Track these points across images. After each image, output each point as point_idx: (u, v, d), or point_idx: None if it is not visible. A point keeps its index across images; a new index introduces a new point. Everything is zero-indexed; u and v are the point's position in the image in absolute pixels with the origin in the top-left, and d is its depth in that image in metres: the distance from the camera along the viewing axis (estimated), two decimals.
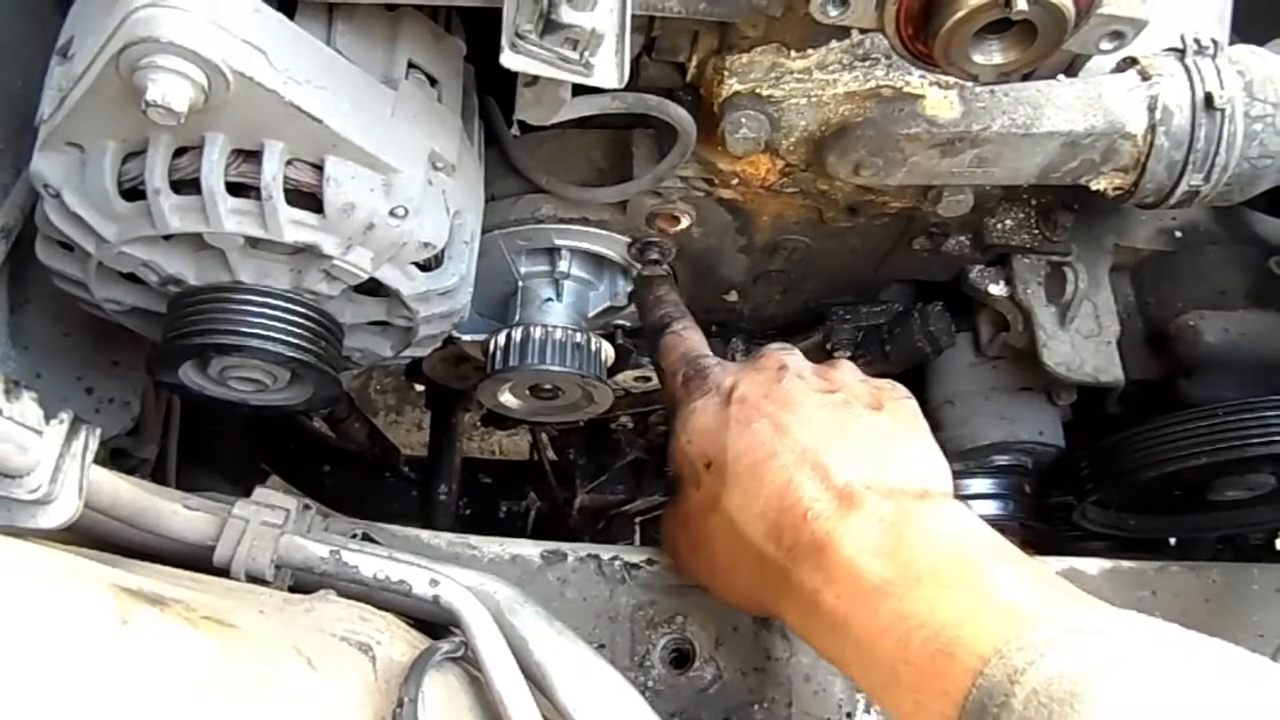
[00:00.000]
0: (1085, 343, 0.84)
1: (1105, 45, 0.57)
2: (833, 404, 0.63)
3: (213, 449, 1.12)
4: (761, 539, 0.59)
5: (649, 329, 0.79)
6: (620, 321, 0.92)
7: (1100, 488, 0.88)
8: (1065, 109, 0.68)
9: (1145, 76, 0.69)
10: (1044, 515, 0.98)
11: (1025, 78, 0.69)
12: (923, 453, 0.63)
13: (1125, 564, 0.78)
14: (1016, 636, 0.46)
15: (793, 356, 0.68)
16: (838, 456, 0.59)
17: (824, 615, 0.55)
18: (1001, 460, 0.94)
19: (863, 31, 0.64)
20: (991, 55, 0.54)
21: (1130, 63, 0.70)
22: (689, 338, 0.75)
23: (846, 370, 0.68)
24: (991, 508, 0.95)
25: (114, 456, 0.83)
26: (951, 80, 0.67)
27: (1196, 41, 0.69)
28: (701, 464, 0.64)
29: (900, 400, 0.66)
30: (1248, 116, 0.67)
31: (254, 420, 1.18)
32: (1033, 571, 0.52)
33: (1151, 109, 0.68)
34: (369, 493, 1.31)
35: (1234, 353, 0.81)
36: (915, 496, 0.57)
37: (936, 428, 0.94)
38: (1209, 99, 0.67)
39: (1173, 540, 1.05)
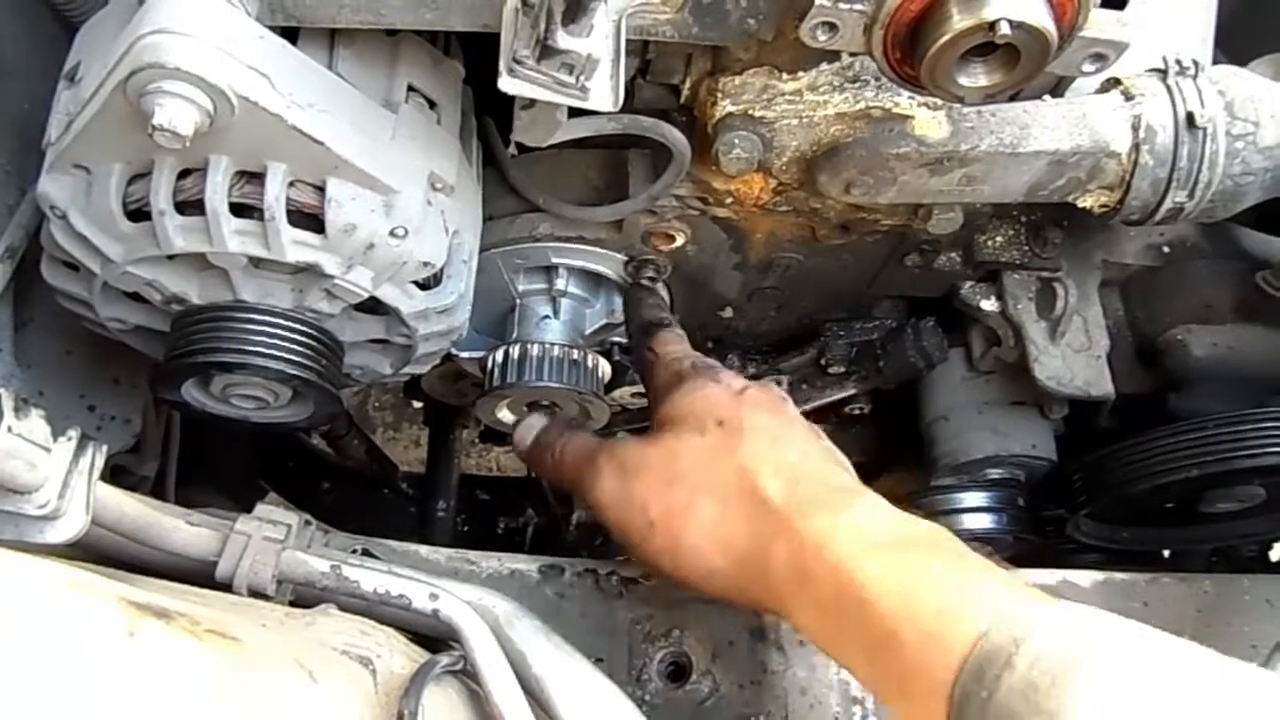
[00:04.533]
0: (1076, 357, 0.85)
1: (1088, 67, 0.59)
2: (827, 444, 0.69)
3: (211, 466, 1.13)
4: (773, 488, 0.61)
5: (644, 321, 0.81)
6: (617, 338, 0.93)
7: (1092, 500, 0.89)
8: (1051, 128, 0.70)
9: (1129, 96, 0.71)
10: (1038, 528, 0.98)
11: (1012, 98, 0.70)
12: None
13: (1117, 576, 0.79)
14: (1019, 611, 0.48)
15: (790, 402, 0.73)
16: (840, 472, 0.65)
17: (826, 566, 0.55)
18: (995, 474, 0.94)
19: (852, 54, 0.66)
20: (976, 78, 0.56)
21: (1114, 83, 0.72)
22: (686, 343, 0.79)
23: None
24: (986, 521, 0.96)
25: (115, 473, 0.84)
26: (940, 101, 0.68)
27: (1178, 62, 0.71)
28: (712, 420, 0.66)
29: None
30: (1229, 135, 0.69)
31: (252, 437, 1.19)
32: (1019, 576, 0.57)
33: (1135, 128, 0.70)
34: (367, 509, 1.31)
35: (1222, 366, 0.83)
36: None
37: (930, 443, 0.96)
38: (1190, 118, 0.68)
39: (1166, 552, 1.06)
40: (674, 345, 0.77)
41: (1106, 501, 0.89)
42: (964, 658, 0.47)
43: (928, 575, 0.52)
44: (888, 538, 0.56)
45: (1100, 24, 0.57)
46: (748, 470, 0.62)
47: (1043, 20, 0.52)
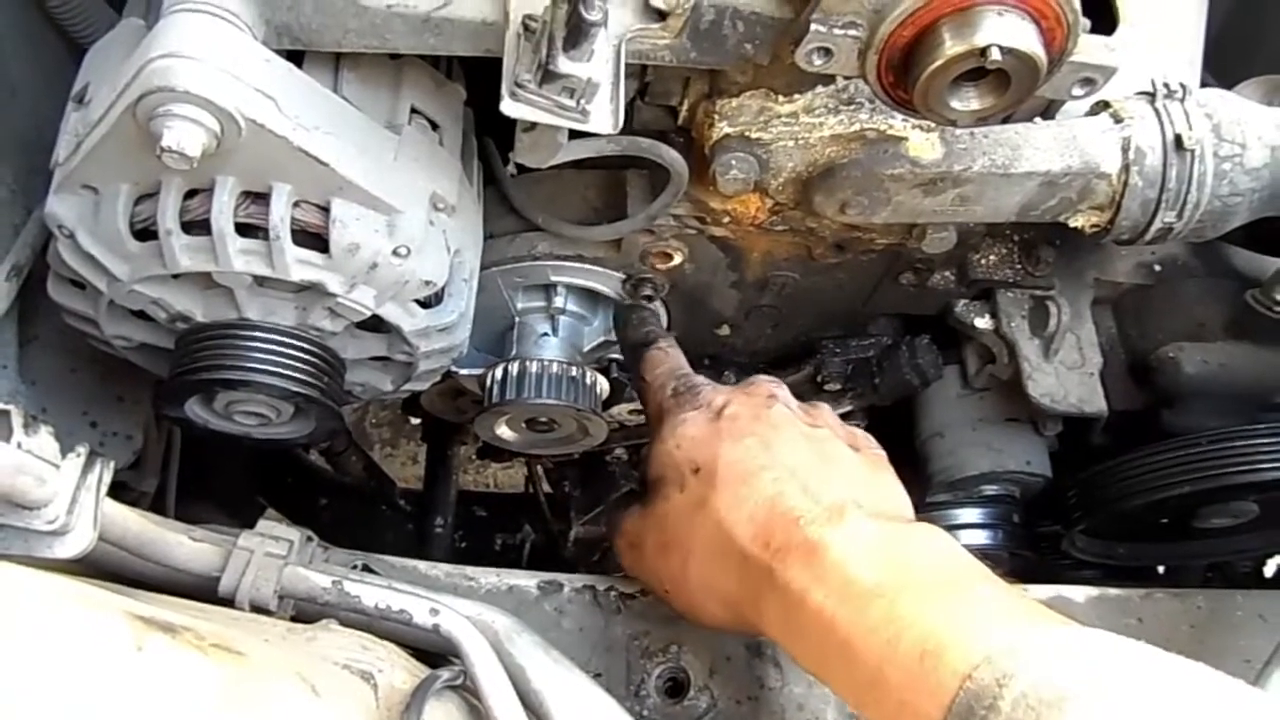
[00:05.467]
0: (1069, 374, 0.86)
1: (1077, 91, 0.60)
2: (816, 436, 0.66)
3: (211, 482, 1.13)
4: (749, 540, 0.60)
5: (631, 342, 0.80)
6: (614, 356, 0.94)
7: (1087, 517, 0.90)
8: (1043, 150, 0.71)
9: (1118, 119, 0.72)
10: (1033, 544, 0.99)
11: (1004, 120, 0.71)
12: (898, 489, 0.66)
13: (1111, 591, 0.80)
14: (1005, 643, 0.47)
15: (781, 389, 0.70)
16: (824, 480, 0.62)
17: (810, 614, 0.55)
18: (990, 490, 0.95)
19: (847, 78, 0.67)
20: (968, 101, 0.57)
21: (1103, 106, 0.73)
22: (675, 355, 0.77)
23: (827, 413, 0.71)
24: (981, 537, 0.97)
25: (115, 489, 0.84)
26: (933, 123, 0.69)
27: (1166, 86, 0.72)
28: (689, 469, 0.65)
29: (873, 449, 0.69)
30: (1217, 156, 0.70)
31: (251, 453, 1.20)
32: (1012, 590, 0.54)
33: (1125, 150, 0.71)
34: (365, 525, 1.31)
35: (1213, 383, 0.83)
36: (901, 520, 0.60)
37: (925, 460, 0.96)
38: (1179, 140, 0.70)
39: (1162, 568, 1.06)
40: (660, 368, 0.75)
41: (1101, 517, 0.89)
42: (952, 698, 0.47)
43: (910, 614, 0.51)
44: (869, 574, 0.54)
45: (1089, 49, 0.58)
46: (723, 524, 0.61)
47: (1033, 46, 0.53)
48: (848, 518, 0.58)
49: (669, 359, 0.76)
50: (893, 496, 0.65)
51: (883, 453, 0.70)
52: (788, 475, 0.62)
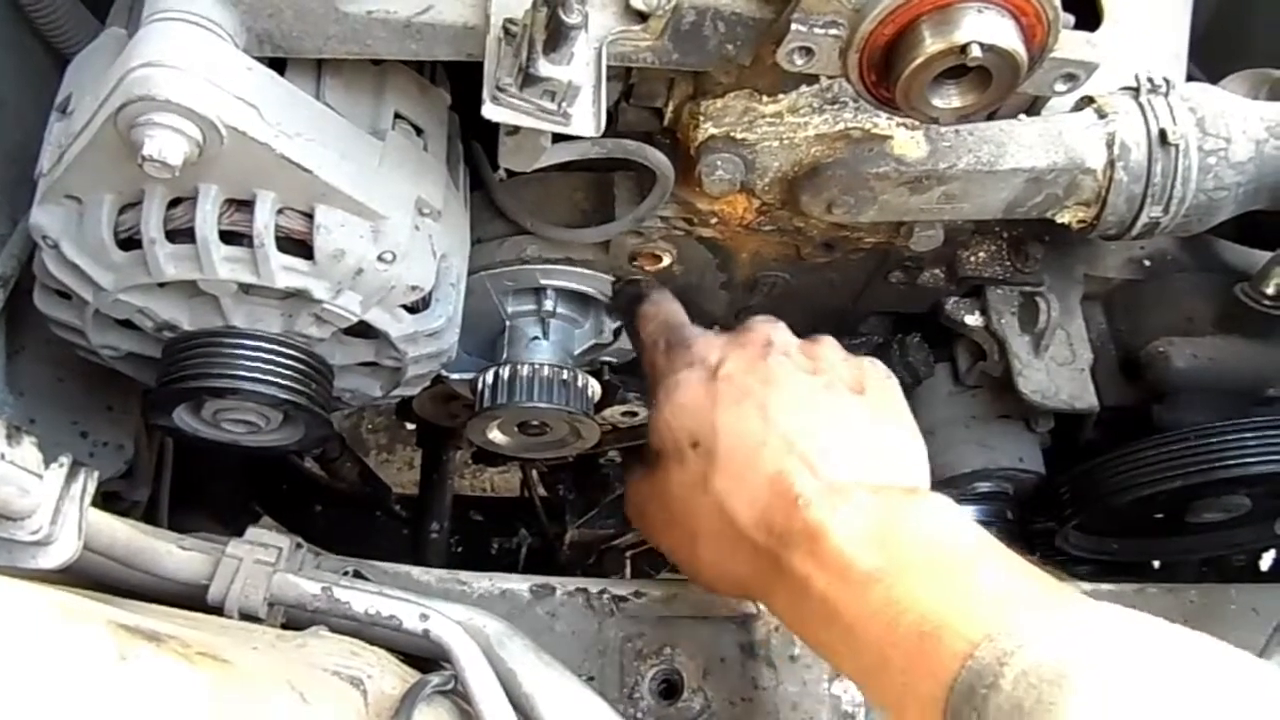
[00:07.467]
0: (1060, 370, 0.86)
1: (1059, 87, 0.60)
2: (818, 387, 0.64)
3: (204, 490, 1.13)
4: (752, 526, 0.59)
5: (625, 300, 0.77)
6: (606, 358, 0.94)
7: (1080, 512, 0.90)
8: (1028, 146, 0.71)
9: (1102, 114, 0.72)
10: (1027, 541, 0.99)
11: (989, 117, 0.71)
12: (905, 443, 0.64)
13: (1105, 587, 0.80)
14: (1004, 622, 0.47)
15: (779, 332, 0.68)
16: (825, 447, 0.60)
17: (814, 602, 0.55)
18: (983, 488, 0.95)
19: (830, 77, 0.67)
20: (950, 99, 0.57)
21: (1088, 101, 0.73)
22: (667, 307, 0.74)
23: (830, 348, 0.68)
24: None
25: (107, 499, 0.84)
26: (917, 121, 0.69)
27: (1150, 80, 0.73)
28: (688, 442, 0.63)
29: (882, 380, 0.67)
30: (1201, 151, 0.70)
31: (245, 461, 1.19)
32: (1017, 565, 0.54)
33: (1110, 145, 0.71)
34: (361, 531, 1.31)
35: (1203, 377, 0.83)
36: (902, 492, 0.59)
37: None
38: (1163, 135, 0.70)
39: (1156, 563, 1.07)
40: (651, 324, 0.72)
41: (1094, 513, 0.89)
42: (954, 676, 0.47)
43: (908, 596, 0.51)
44: (869, 558, 0.54)
45: (1070, 45, 0.58)
46: (725, 508, 0.60)
47: (1013, 43, 0.53)
48: (847, 497, 0.57)
49: (660, 311, 0.73)
50: (897, 451, 0.63)
51: (890, 381, 0.67)
52: (786, 448, 0.60)
